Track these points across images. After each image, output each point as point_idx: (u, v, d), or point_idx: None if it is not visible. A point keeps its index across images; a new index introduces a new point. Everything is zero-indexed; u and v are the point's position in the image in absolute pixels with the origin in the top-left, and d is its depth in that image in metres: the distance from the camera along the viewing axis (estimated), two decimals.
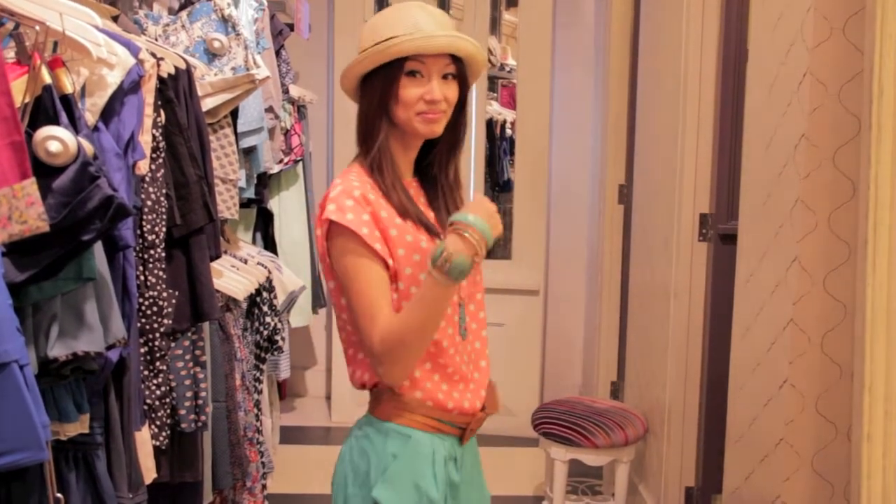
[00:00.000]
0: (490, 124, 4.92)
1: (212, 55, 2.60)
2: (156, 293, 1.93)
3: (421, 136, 1.67)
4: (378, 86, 1.63)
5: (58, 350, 1.45)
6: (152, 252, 1.93)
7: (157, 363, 1.97)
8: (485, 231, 1.53)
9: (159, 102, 1.96)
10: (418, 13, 1.62)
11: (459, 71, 1.65)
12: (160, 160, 1.96)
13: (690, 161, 3.12)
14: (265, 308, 3.03)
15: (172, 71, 2.04)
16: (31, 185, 1.33)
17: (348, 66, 1.65)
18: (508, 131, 5.04)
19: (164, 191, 1.98)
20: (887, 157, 1.82)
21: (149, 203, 1.92)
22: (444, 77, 1.63)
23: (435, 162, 1.74)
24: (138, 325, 1.90)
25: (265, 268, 3.08)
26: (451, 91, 1.65)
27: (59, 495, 1.54)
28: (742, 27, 3.00)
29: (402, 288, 1.61)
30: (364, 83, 1.66)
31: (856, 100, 2.00)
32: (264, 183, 3.43)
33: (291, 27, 3.64)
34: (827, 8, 2.03)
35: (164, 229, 1.98)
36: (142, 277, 1.92)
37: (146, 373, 1.97)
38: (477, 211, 1.54)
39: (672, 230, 3.21)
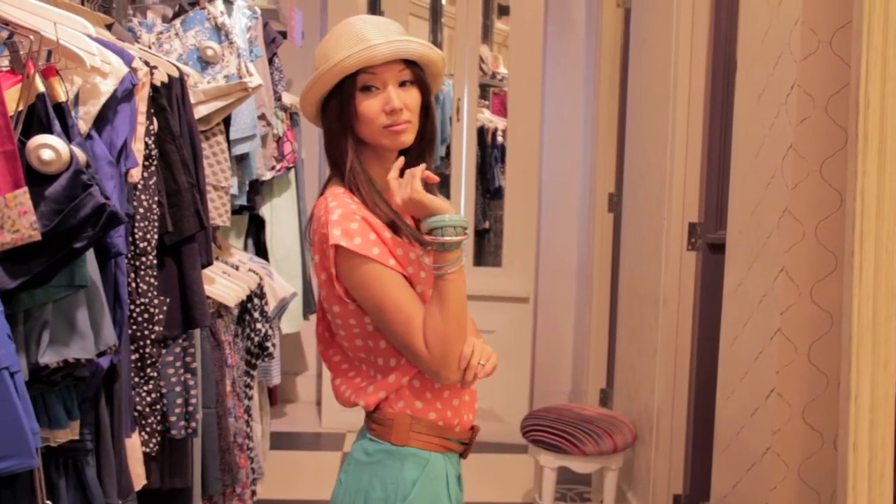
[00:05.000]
0: (481, 132, 4.93)
1: (205, 63, 2.61)
2: (147, 300, 1.94)
3: (390, 150, 1.64)
4: (336, 107, 1.60)
5: (49, 357, 1.46)
6: (144, 259, 1.94)
7: (148, 370, 1.97)
8: (461, 222, 1.53)
9: (152, 110, 1.96)
10: (361, 26, 1.59)
11: (417, 76, 1.61)
12: (152, 168, 1.97)
13: (680, 170, 3.14)
14: (256, 314, 3.03)
15: (166, 79, 2.05)
16: (23, 195, 1.34)
17: (302, 94, 1.63)
18: (500, 139, 5.06)
19: (156, 198, 1.99)
20: (873, 169, 1.84)
21: (141, 210, 1.93)
22: (402, 84, 1.59)
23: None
24: (129, 331, 1.90)
25: (256, 274, 3.09)
26: (411, 97, 1.60)
27: (48, 502, 1.54)
28: (731, 39, 3.02)
29: None
30: (323, 107, 1.63)
31: (843, 112, 2.03)
32: (256, 190, 3.43)
33: (284, 35, 3.65)
34: (814, 21, 2.06)
35: (155, 237, 1.98)
36: (133, 284, 1.92)
37: (137, 379, 1.97)
38: (438, 207, 1.53)
39: (661, 239, 3.23)
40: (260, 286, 3.05)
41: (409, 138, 1.62)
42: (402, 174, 1.60)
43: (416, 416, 1.63)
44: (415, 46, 1.59)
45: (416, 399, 1.64)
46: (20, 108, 1.41)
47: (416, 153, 1.68)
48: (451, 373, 1.55)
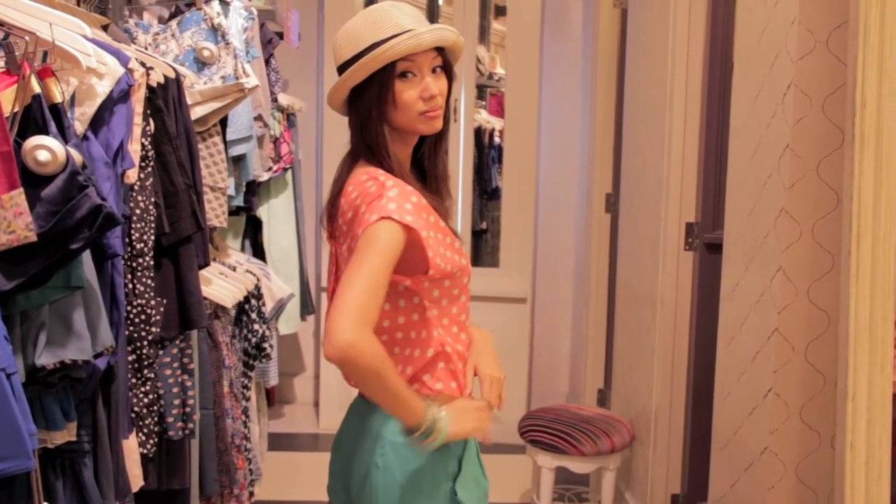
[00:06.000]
0: (478, 132, 4.93)
1: (201, 64, 2.61)
2: (144, 301, 1.94)
3: (421, 135, 1.67)
4: (373, 94, 1.60)
5: (45, 358, 1.46)
6: (140, 260, 1.94)
7: (145, 371, 1.97)
8: (441, 431, 1.53)
9: (148, 111, 1.96)
10: (394, 12, 1.60)
11: (446, 61, 1.65)
12: (149, 169, 1.97)
13: (677, 170, 3.14)
14: (253, 315, 3.03)
15: (162, 80, 2.04)
16: (18, 196, 1.34)
17: (340, 81, 1.62)
18: (497, 139, 5.06)
19: (152, 199, 1.99)
20: (870, 168, 1.84)
21: (137, 212, 1.92)
22: (433, 70, 1.62)
23: (425, 155, 1.73)
24: (126, 333, 1.90)
25: (254, 275, 3.08)
26: (443, 83, 1.64)
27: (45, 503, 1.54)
28: (728, 38, 3.02)
29: (447, 285, 1.62)
30: (355, 94, 1.63)
31: (839, 111, 2.03)
32: (253, 191, 3.43)
33: (281, 36, 3.65)
34: (811, 21, 2.06)
35: (152, 238, 1.98)
36: (130, 286, 1.92)
37: (134, 381, 1.97)
38: (452, 414, 1.56)
39: (658, 239, 3.23)
40: (257, 287, 3.05)
41: (440, 123, 1.66)
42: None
43: (452, 395, 1.67)
44: (451, 34, 1.63)
45: (452, 380, 1.68)
46: (16, 110, 1.41)
47: (433, 137, 1.72)
48: (328, 353, 1.44)
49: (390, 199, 1.51)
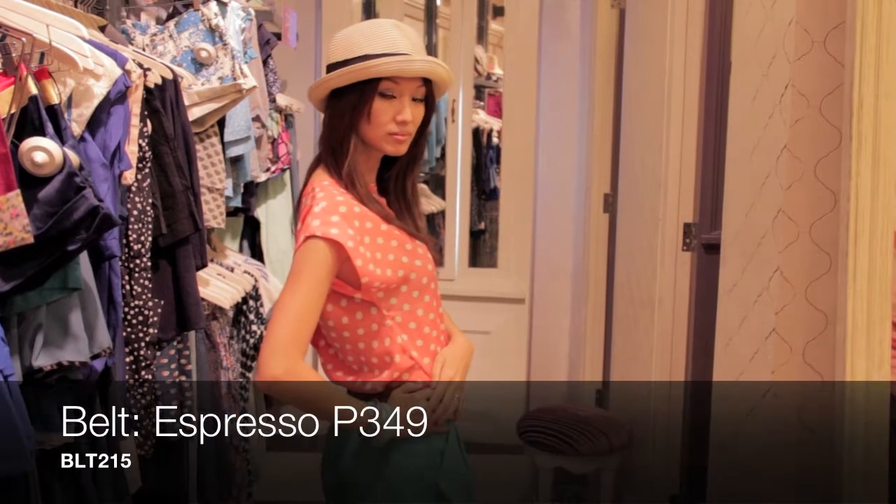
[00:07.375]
0: (477, 133, 4.93)
1: (199, 65, 2.61)
2: (141, 303, 1.94)
3: (385, 154, 1.71)
4: (351, 102, 1.65)
5: (43, 360, 1.46)
6: (138, 261, 1.94)
7: (143, 372, 1.97)
8: (388, 429, 1.62)
9: (146, 112, 1.96)
10: (395, 33, 1.65)
11: (428, 94, 1.69)
12: (146, 170, 1.97)
13: (674, 171, 3.14)
14: (251, 316, 3.03)
15: (159, 81, 2.04)
16: (15, 197, 1.33)
17: (323, 79, 1.67)
18: (495, 140, 5.06)
19: (150, 200, 1.98)
20: (867, 169, 1.84)
21: (135, 213, 1.92)
22: (414, 99, 1.67)
23: (392, 178, 1.77)
24: (124, 334, 1.90)
25: (252, 276, 3.08)
26: (419, 113, 1.69)
27: None
28: (725, 39, 3.02)
29: (404, 290, 1.67)
30: (334, 97, 1.68)
31: (837, 112, 2.03)
32: (251, 191, 3.42)
33: (279, 36, 3.64)
34: (808, 21, 2.06)
35: (149, 239, 1.98)
36: (127, 287, 1.92)
37: (131, 382, 1.97)
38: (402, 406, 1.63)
39: (656, 239, 3.23)
40: (255, 288, 3.05)
41: (405, 149, 1.70)
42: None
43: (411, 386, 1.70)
44: (442, 71, 1.67)
45: (429, 377, 1.71)
46: (13, 111, 1.41)
47: (404, 162, 1.76)
48: (258, 375, 1.58)
49: (315, 215, 1.59)
